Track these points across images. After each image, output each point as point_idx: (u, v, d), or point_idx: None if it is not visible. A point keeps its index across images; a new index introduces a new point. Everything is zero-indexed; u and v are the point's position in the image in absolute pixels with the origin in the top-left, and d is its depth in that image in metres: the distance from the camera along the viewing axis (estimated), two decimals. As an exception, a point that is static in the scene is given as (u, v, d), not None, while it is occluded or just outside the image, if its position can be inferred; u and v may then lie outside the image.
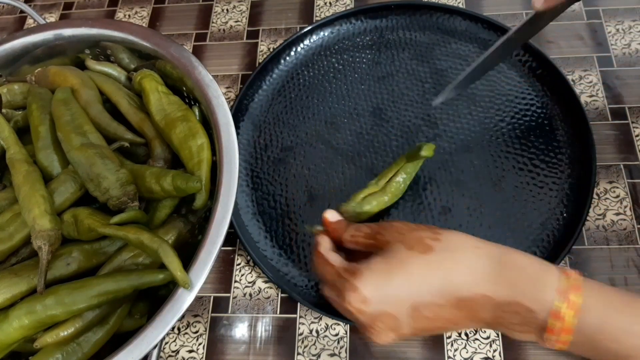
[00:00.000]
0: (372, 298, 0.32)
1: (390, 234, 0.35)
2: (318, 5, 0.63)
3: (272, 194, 0.51)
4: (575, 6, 0.58)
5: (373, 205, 0.44)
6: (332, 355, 0.43)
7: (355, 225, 0.38)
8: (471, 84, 0.49)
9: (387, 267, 0.32)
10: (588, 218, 0.46)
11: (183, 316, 0.42)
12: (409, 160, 0.45)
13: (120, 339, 0.36)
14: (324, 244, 0.38)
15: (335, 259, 0.36)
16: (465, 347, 0.42)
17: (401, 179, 0.46)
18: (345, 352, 0.43)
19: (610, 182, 0.48)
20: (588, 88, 0.53)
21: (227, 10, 0.65)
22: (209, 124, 0.44)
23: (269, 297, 0.46)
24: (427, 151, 0.44)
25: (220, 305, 0.47)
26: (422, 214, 0.47)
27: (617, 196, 0.47)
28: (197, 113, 0.45)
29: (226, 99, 0.49)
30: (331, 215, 0.40)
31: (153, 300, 0.42)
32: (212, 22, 0.65)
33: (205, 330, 0.46)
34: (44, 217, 0.37)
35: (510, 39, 0.44)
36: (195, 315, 0.46)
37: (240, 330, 0.45)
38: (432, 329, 0.33)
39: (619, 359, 0.29)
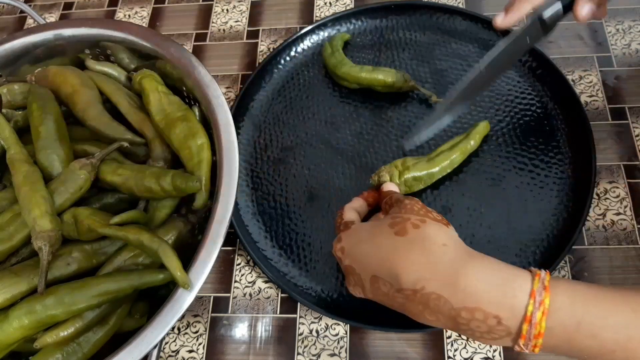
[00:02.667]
0: (348, 251, 0.36)
1: (398, 207, 0.36)
2: (318, 5, 0.63)
3: (272, 194, 0.51)
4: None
5: (422, 173, 0.46)
6: (332, 355, 0.43)
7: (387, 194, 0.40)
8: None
9: (366, 233, 0.36)
10: (588, 218, 0.46)
11: (183, 316, 0.42)
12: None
13: (120, 339, 0.36)
14: (355, 203, 0.42)
15: (349, 216, 0.40)
16: (465, 347, 0.42)
17: (455, 154, 0.47)
18: (345, 352, 0.43)
19: (610, 182, 0.48)
20: (588, 88, 0.53)
21: (227, 10, 0.65)
22: (209, 124, 0.44)
23: (269, 297, 0.46)
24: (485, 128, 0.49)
25: (220, 305, 0.47)
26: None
27: (617, 196, 0.47)
28: (197, 113, 0.45)
29: (226, 99, 0.49)
30: (392, 186, 0.43)
31: (153, 300, 0.42)
32: (212, 22, 0.65)
33: (205, 330, 0.46)
34: (44, 218, 0.37)
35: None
36: (195, 315, 0.46)
37: (240, 330, 0.45)
38: (392, 305, 0.34)
39: (599, 355, 0.28)
